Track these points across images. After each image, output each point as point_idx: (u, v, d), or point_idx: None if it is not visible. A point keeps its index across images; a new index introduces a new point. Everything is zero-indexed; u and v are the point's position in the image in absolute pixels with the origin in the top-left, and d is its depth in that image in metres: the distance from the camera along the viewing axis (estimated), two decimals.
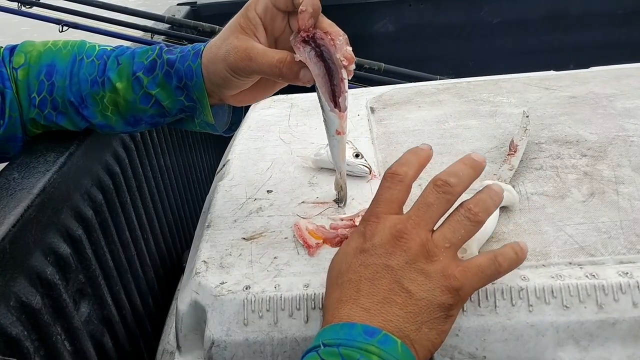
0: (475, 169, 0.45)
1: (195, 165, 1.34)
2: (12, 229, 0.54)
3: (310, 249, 0.55)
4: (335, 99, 0.51)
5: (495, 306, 0.47)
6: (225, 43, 0.54)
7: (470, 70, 1.19)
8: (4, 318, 0.52)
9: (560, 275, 0.48)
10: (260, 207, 0.63)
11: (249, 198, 0.65)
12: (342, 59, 0.50)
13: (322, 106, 0.53)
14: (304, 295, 0.49)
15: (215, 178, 0.74)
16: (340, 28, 0.52)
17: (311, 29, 0.51)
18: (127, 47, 0.64)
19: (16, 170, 0.63)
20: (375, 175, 0.66)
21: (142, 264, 0.90)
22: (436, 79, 1.15)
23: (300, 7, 0.50)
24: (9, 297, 0.54)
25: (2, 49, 0.67)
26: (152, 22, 1.43)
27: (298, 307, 0.49)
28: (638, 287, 0.46)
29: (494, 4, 1.84)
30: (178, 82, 0.58)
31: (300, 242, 0.56)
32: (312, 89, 0.53)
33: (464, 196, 0.46)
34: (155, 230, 0.98)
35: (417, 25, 1.85)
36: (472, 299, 0.47)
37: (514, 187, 0.59)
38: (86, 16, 1.35)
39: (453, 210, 0.45)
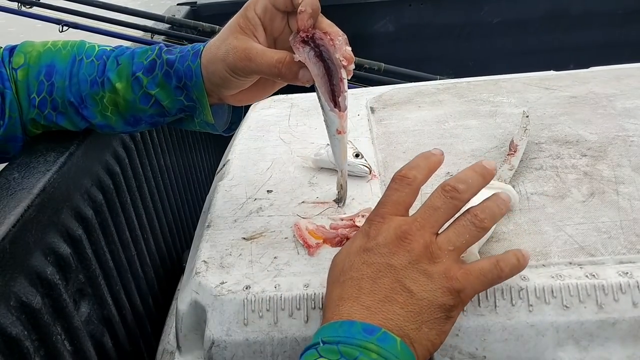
0: (485, 176, 0.46)
1: (195, 165, 1.34)
2: (12, 229, 0.54)
3: (310, 249, 0.55)
4: (335, 99, 0.51)
5: (495, 306, 0.47)
6: (224, 43, 0.54)
7: (470, 70, 1.19)
8: (4, 318, 0.52)
9: (560, 275, 0.48)
10: (260, 207, 0.63)
11: (249, 198, 0.65)
12: (341, 58, 0.50)
13: (322, 106, 0.53)
14: (304, 295, 0.49)
15: (215, 178, 0.74)
16: (340, 28, 0.52)
17: (310, 29, 0.51)
18: (127, 48, 0.64)
19: (16, 170, 0.63)
20: (375, 175, 0.66)
21: (142, 264, 0.90)
22: (436, 79, 1.15)
23: (300, 8, 0.50)
24: (9, 297, 0.54)
25: (1, 50, 0.67)
26: (152, 22, 1.43)
27: (298, 307, 0.49)
28: (638, 287, 0.46)
29: (494, 4, 1.84)
30: (177, 82, 0.58)
31: (300, 242, 0.56)
32: (312, 88, 0.53)
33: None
34: (155, 230, 0.98)
35: (417, 25, 1.85)
36: (472, 299, 0.47)
37: (514, 187, 0.59)
38: (86, 16, 1.35)
39: (459, 215, 0.45)
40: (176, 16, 1.51)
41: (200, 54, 0.57)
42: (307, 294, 0.49)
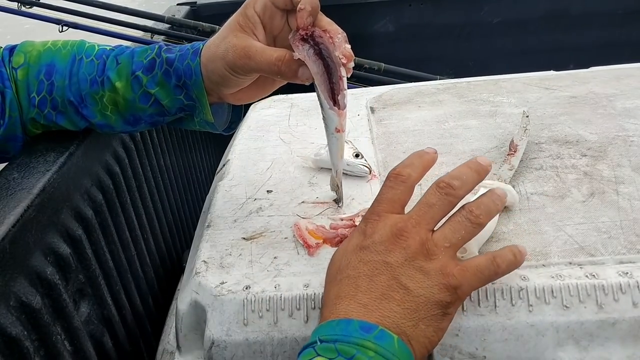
0: (480, 173, 0.46)
1: (195, 165, 1.34)
2: (12, 229, 0.54)
3: (310, 249, 0.55)
4: (334, 97, 0.51)
5: (495, 306, 0.47)
6: (224, 41, 0.54)
7: (470, 70, 1.19)
8: (4, 318, 0.52)
9: (560, 275, 0.48)
10: (260, 207, 0.63)
11: (249, 198, 0.65)
12: (340, 57, 0.50)
13: (321, 104, 0.53)
14: (303, 295, 0.49)
15: (215, 178, 0.74)
16: (340, 28, 0.52)
17: (310, 27, 0.51)
18: (127, 47, 0.64)
19: (16, 170, 0.63)
20: (375, 175, 0.66)
21: (142, 264, 0.90)
22: (436, 79, 1.15)
23: (299, 6, 0.51)
24: (9, 297, 0.54)
25: (1, 49, 0.67)
26: (152, 22, 1.43)
27: (298, 307, 0.49)
28: (638, 287, 0.46)
29: (494, 4, 1.84)
30: (177, 81, 0.58)
31: (300, 242, 0.56)
32: (312, 87, 0.53)
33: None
34: (155, 230, 0.98)
35: (417, 25, 1.85)
36: (472, 298, 0.47)
37: (514, 187, 0.59)
38: (86, 16, 1.35)
39: (455, 212, 0.45)
40: (176, 16, 1.51)
41: (199, 53, 0.57)
42: (307, 294, 0.49)
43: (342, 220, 0.58)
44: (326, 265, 0.48)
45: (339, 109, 0.51)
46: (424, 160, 0.48)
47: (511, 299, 0.47)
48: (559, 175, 0.62)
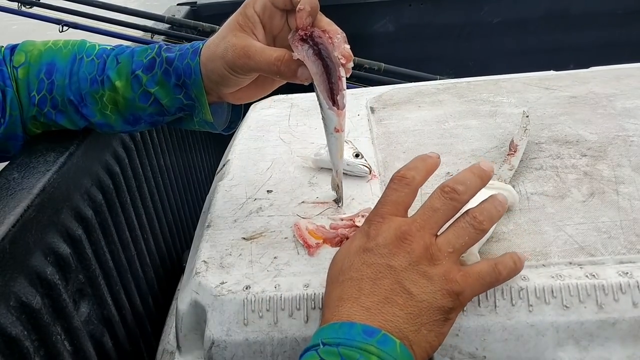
0: (483, 178, 0.46)
1: (195, 165, 1.34)
2: (12, 229, 0.54)
3: (310, 249, 0.55)
4: (333, 97, 0.51)
5: (495, 306, 0.47)
6: (223, 41, 0.54)
7: (470, 70, 1.19)
8: (4, 318, 0.52)
9: (560, 275, 0.48)
10: (260, 207, 0.63)
11: (249, 198, 0.65)
12: (340, 57, 0.50)
13: (320, 104, 0.53)
14: (304, 295, 0.49)
15: (215, 178, 0.74)
16: (340, 28, 0.52)
17: (309, 27, 0.51)
18: (127, 46, 0.64)
19: (16, 170, 0.63)
20: (375, 175, 0.66)
21: (142, 264, 0.90)
22: (436, 79, 1.15)
23: (299, 6, 0.51)
24: (9, 297, 0.54)
25: (2, 48, 0.67)
26: (152, 22, 1.43)
27: (298, 307, 0.49)
28: (638, 287, 0.46)
29: (494, 4, 1.84)
30: (177, 80, 0.58)
31: (300, 242, 0.56)
32: (311, 87, 0.53)
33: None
34: (155, 230, 0.98)
35: (417, 25, 1.85)
36: (472, 299, 0.47)
37: (514, 187, 0.59)
38: (86, 16, 1.35)
39: (458, 217, 0.46)
40: (176, 16, 1.51)
41: (199, 52, 0.57)
42: (307, 294, 0.49)
43: (342, 220, 0.58)
44: (326, 266, 0.48)
45: (338, 109, 0.51)
46: (428, 163, 0.48)
47: (511, 299, 0.47)
48: (559, 175, 0.62)
